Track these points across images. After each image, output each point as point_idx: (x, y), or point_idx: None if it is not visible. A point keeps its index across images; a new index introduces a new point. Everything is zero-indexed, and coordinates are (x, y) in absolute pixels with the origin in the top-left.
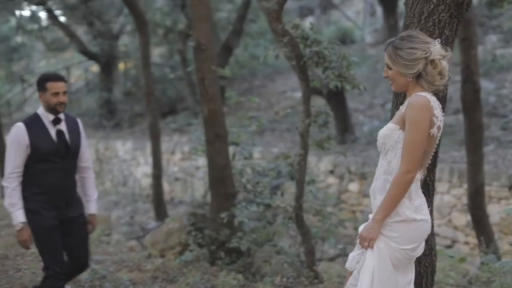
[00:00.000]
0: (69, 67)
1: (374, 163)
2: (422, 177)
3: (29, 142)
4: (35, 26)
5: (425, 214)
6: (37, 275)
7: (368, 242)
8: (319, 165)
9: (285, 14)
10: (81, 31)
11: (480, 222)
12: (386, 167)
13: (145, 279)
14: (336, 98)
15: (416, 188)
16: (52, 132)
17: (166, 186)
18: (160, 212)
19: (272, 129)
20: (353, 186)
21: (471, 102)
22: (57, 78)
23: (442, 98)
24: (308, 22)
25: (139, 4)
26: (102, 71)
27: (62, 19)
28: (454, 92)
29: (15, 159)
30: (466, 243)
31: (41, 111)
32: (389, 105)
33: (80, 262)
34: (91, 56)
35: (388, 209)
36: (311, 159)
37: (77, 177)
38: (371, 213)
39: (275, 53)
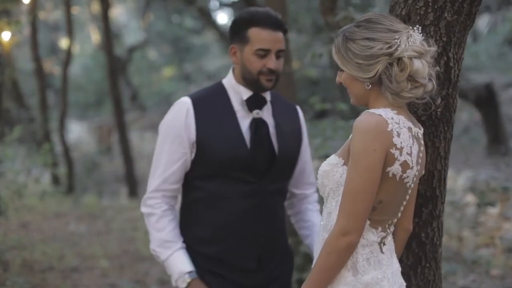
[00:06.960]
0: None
1: None
2: (379, 239)
3: (195, 136)
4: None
5: None
6: None
7: None
8: (457, 180)
9: None
10: None
11: None
12: (325, 220)
13: None
14: (488, 103)
15: (369, 256)
16: (244, 122)
17: None
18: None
19: None
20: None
21: None
22: (271, 22)
23: (442, 117)
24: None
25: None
26: None
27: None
28: None
29: (169, 164)
30: None
31: (229, 81)
32: None
33: None
34: None
35: (317, 284)
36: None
37: (287, 207)
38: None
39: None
